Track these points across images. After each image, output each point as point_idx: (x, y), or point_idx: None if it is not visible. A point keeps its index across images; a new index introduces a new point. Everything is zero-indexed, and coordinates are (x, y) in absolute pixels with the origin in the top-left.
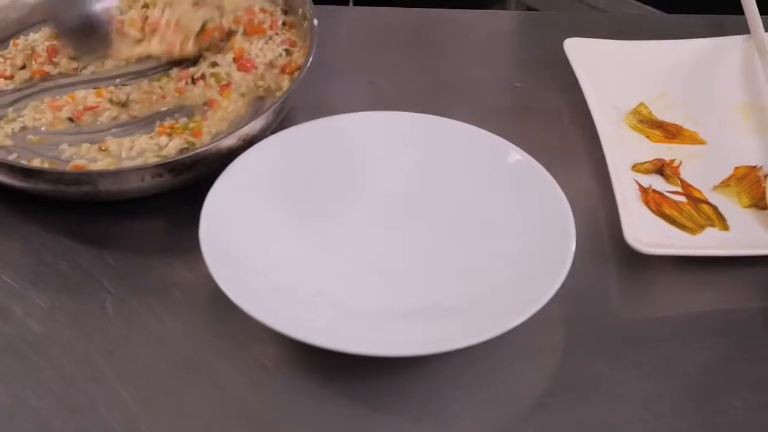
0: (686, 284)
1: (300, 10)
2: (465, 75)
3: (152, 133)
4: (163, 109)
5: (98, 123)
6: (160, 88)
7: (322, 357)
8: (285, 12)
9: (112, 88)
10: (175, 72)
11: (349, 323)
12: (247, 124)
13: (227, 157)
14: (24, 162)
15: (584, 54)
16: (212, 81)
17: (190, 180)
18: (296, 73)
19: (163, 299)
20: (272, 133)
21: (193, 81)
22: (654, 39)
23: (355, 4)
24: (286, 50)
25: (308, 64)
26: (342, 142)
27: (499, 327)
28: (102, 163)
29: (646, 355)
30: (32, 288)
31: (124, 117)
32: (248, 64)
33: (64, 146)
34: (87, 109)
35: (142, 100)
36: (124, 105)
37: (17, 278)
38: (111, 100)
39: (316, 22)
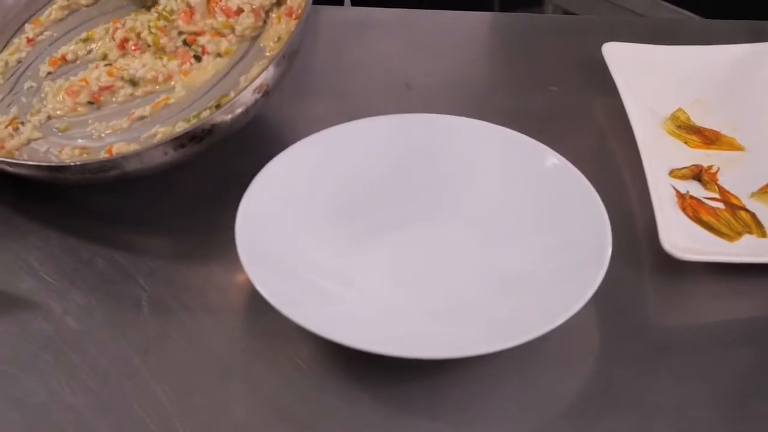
0: (723, 291)
1: None
2: (501, 78)
3: None
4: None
5: (117, 101)
6: (164, 66)
7: (356, 358)
8: None
9: (120, 63)
10: (172, 46)
11: (382, 325)
12: (259, 74)
13: (245, 114)
14: (54, 152)
15: (622, 58)
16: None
17: (215, 142)
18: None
19: (198, 298)
20: (284, 82)
21: (197, 59)
22: (693, 44)
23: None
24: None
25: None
26: (378, 144)
27: (534, 331)
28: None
29: (682, 361)
30: (70, 285)
31: (139, 93)
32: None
33: (93, 128)
34: (103, 89)
35: (151, 80)
36: (134, 84)
37: (55, 275)
38: (122, 78)
39: None
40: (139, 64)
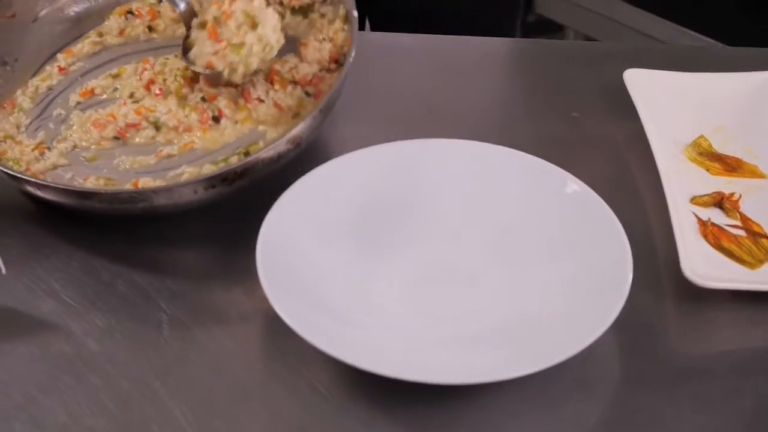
0: (744, 319)
1: (335, 6)
2: (523, 104)
3: None
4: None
5: (139, 141)
6: (186, 117)
7: (375, 383)
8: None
9: (147, 103)
10: (194, 99)
11: (402, 350)
12: (294, 127)
13: (277, 162)
14: (80, 180)
15: (644, 85)
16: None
17: (244, 186)
18: (341, 70)
19: (218, 321)
20: (319, 137)
21: (216, 120)
22: (715, 71)
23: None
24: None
25: (351, 58)
26: (398, 169)
27: (554, 357)
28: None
29: (703, 389)
30: (91, 307)
31: (160, 138)
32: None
33: (119, 160)
34: (129, 126)
35: (174, 127)
36: (157, 128)
37: (77, 297)
38: (148, 119)
39: (355, 13)
40: (165, 108)
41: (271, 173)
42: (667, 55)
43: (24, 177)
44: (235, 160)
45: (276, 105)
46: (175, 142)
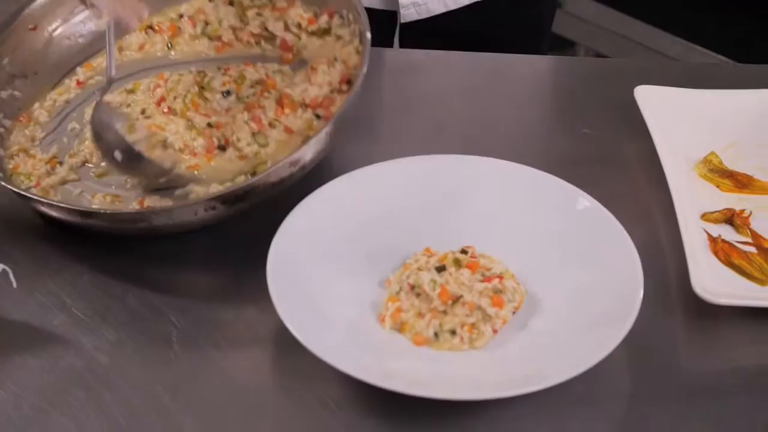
0: (755, 336)
1: (351, 27)
2: (533, 120)
3: None
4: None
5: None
6: (192, 140)
7: (385, 398)
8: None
9: (159, 121)
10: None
11: (412, 366)
12: (297, 150)
13: (280, 185)
14: (88, 197)
15: (655, 101)
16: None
17: (245, 208)
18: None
19: (228, 336)
20: (325, 158)
21: (221, 149)
22: (726, 88)
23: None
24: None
25: (361, 80)
26: (408, 185)
27: (563, 373)
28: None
29: (713, 406)
30: (101, 321)
31: (167, 159)
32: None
33: (128, 178)
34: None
35: (180, 150)
36: (165, 147)
37: (87, 312)
38: (157, 137)
39: (369, 34)
40: (174, 128)
41: (274, 195)
42: (678, 71)
43: (28, 195)
44: (242, 180)
45: (287, 129)
46: (182, 163)
